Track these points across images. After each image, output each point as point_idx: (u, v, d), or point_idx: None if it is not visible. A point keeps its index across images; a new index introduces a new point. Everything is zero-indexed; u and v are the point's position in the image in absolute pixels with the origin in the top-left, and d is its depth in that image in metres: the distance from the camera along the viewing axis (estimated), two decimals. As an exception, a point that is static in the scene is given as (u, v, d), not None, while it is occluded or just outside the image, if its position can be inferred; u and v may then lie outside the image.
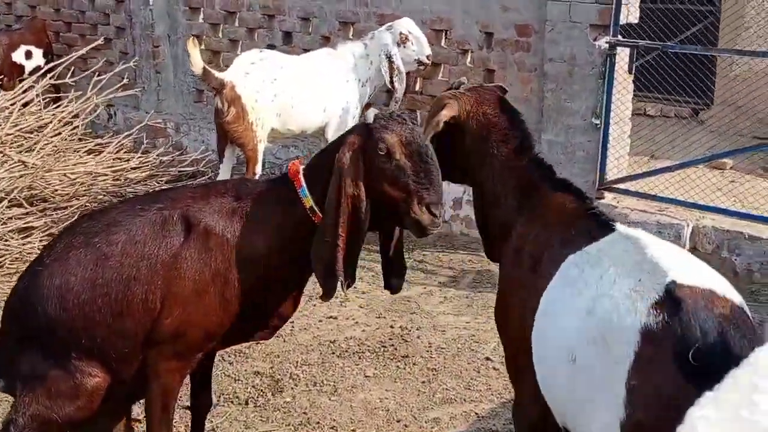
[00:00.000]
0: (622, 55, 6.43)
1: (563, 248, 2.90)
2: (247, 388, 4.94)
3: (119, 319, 3.39)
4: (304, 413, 4.69)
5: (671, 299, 2.45)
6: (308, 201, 3.49)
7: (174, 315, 3.41)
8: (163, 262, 3.41)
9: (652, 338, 2.41)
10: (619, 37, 6.38)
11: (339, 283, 3.46)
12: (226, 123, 6.44)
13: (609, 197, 6.63)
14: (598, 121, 6.48)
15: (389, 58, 6.94)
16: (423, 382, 4.97)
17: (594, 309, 2.59)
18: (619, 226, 2.93)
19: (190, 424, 4.08)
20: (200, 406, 3.98)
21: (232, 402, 4.81)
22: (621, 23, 6.41)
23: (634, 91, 7.26)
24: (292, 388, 4.94)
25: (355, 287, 4.85)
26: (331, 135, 7.05)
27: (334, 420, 4.63)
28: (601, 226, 2.94)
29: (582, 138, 6.61)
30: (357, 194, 3.38)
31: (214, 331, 3.49)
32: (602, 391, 2.47)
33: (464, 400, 4.77)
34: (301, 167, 3.56)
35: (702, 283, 2.52)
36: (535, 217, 3.16)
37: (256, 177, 6.64)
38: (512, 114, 3.46)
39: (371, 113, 3.53)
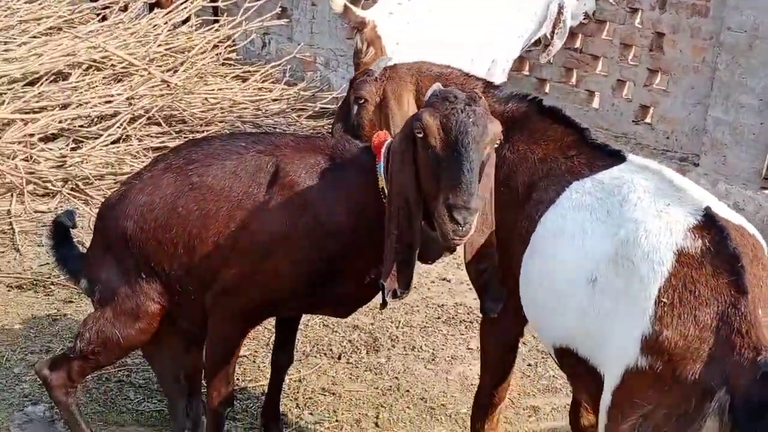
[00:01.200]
0: (814, 30, 5.64)
1: (566, 176, 2.92)
2: (342, 342, 4.69)
3: (189, 254, 3.22)
4: (396, 378, 4.40)
5: (714, 226, 2.47)
6: (381, 180, 3.09)
7: (239, 267, 3.17)
8: (243, 209, 3.17)
9: (689, 260, 2.43)
10: (813, 9, 5.60)
11: (382, 290, 3.00)
12: (363, 64, 6.10)
13: (775, 190, 5.90)
14: (775, 103, 5.74)
15: (560, 8, 6.44)
16: (529, 364, 4.57)
17: (618, 232, 2.60)
18: (631, 156, 2.90)
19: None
20: (280, 362, 3.75)
21: (324, 354, 4.58)
22: (818, -7, 5.61)
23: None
24: (388, 349, 4.66)
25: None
26: None
27: (426, 390, 4.32)
28: (610, 155, 2.93)
29: (754, 119, 5.88)
30: (405, 183, 2.92)
31: (277, 295, 3.21)
32: (625, 308, 2.48)
33: (570, 391, 4.33)
34: (389, 140, 3.14)
35: (732, 217, 2.60)
36: (530, 150, 3.12)
37: None
38: None
39: (432, 88, 3.02)
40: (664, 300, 2.40)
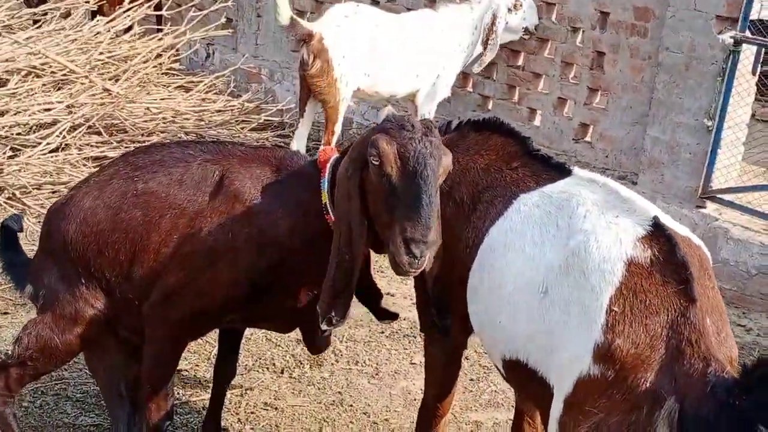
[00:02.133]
0: (748, 53, 5.79)
1: (512, 188, 2.93)
2: (285, 357, 4.67)
3: (129, 260, 3.20)
4: (339, 393, 4.40)
5: (663, 235, 2.52)
6: (324, 196, 3.09)
7: (179, 275, 3.14)
8: (187, 217, 3.15)
9: (639, 270, 2.45)
10: (747, 33, 5.75)
11: (318, 316, 3.02)
12: (309, 76, 6.11)
13: (711, 207, 6.04)
14: (710, 123, 5.88)
15: (494, 18, 6.53)
16: (472, 379, 4.59)
17: (568, 243, 2.62)
18: (576, 169, 2.93)
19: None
20: (222, 376, 3.72)
21: (267, 369, 4.55)
22: (751, 18, 5.77)
23: (759, 95, 6.63)
24: (332, 364, 4.64)
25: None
26: (421, 102, 6.68)
27: (369, 405, 4.32)
28: (555, 167, 2.95)
29: (690, 139, 6.04)
30: (350, 210, 2.91)
31: (217, 306, 3.19)
32: (576, 318, 2.49)
33: (512, 406, 4.34)
34: (335, 156, 3.15)
35: (679, 228, 2.64)
36: (472, 160, 3.12)
37: (335, 137, 6.34)
38: None
39: (385, 112, 3.03)
40: (615, 309, 2.42)
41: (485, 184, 3.04)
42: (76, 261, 3.26)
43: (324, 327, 3.00)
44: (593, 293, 2.48)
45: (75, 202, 3.30)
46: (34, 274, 3.40)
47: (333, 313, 2.98)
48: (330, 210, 3.06)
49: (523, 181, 2.96)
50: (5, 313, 4.79)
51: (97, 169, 5.10)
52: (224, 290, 3.14)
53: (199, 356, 4.57)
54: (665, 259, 2.47)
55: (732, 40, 5.73)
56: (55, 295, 3.29)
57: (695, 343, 2.33)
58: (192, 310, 3.18)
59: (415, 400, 4.37)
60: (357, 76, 6.27)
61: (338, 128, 6.32)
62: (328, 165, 3.12)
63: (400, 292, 5.48)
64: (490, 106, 7.36)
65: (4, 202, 5.85)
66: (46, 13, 8.00)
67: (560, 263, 2.62)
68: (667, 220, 2.66)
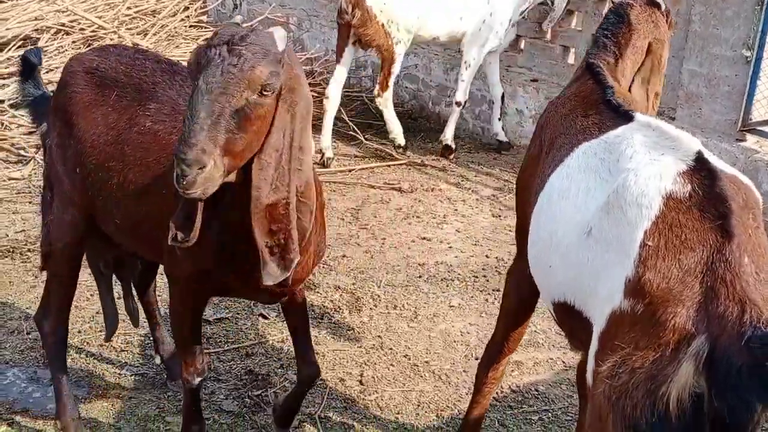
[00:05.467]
0: (788, -21, 5.64)
1: (578, 136, 2.91)
2: (324, 303, 4.69)
3: (122, 194, 3.14)
4: (379, 337, 4.41)
5: (705, 169, 2.45)
6: None
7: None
8: None
9: (677, 204, 2.40)
10: (787, -41, 5.59)
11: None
12: (354, 27, 6.18)
13: (751, 140, 5.93)
14: (749, 54, 5.75)
15: None
16: (511, 319, 4.58)
17: (613, 185, 2.58)
18: (639, 116, 2.84)
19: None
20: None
21: (306, 315, 4.57)
22: (791, -58, 5.60)
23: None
24: (370, 309, 4.66)
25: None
26: (466, 47, 6.63)
27: (409, 348, 4.33)
28: (619, 116, 2.89)
29: (729, 71, 5.90)
30: None
31: (201, 265, 3.01)
32: (615, 255, 2.46)
33: (552, 345, 4.37)
34: None
35: (725, 168, 2.55)
36: (561, 104, 3.16)
37: (392, 77, 6.39)
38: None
39: (238, 18, 2.93)
40: (649, 243, 2.37)
41: (561, 130, 3.04)
42: (78, 157, 3.22)
43: (171, 242, 2.77)
44: (630, 228, 2.44)
45: (106, 102, 3.19)
46: (48, 115, 3.37)
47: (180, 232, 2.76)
48: None
49: (590, 129, 2.93)
50: (47, 269, 4.84)
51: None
52: (209, 250, 2.95)
53: (239, 304, 4.60)
54: (704, 194, 2.40)
55: (771, -33, 5.57)
56: (55, 171, 3.31)
57: (730, 284, 2.25)
58: (185, 273, 3.08)
59: (454, 341, 4.38)
60: (407, 18, 6.30)
61: (396, 68, 6.42)
62: None
63: (436, 237, 5.47)
64: (522, 46, 7.24)
65: (41, 159, 5.89)
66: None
67: (603, 202, 2.59)
68: (712, 158, 2.58)
